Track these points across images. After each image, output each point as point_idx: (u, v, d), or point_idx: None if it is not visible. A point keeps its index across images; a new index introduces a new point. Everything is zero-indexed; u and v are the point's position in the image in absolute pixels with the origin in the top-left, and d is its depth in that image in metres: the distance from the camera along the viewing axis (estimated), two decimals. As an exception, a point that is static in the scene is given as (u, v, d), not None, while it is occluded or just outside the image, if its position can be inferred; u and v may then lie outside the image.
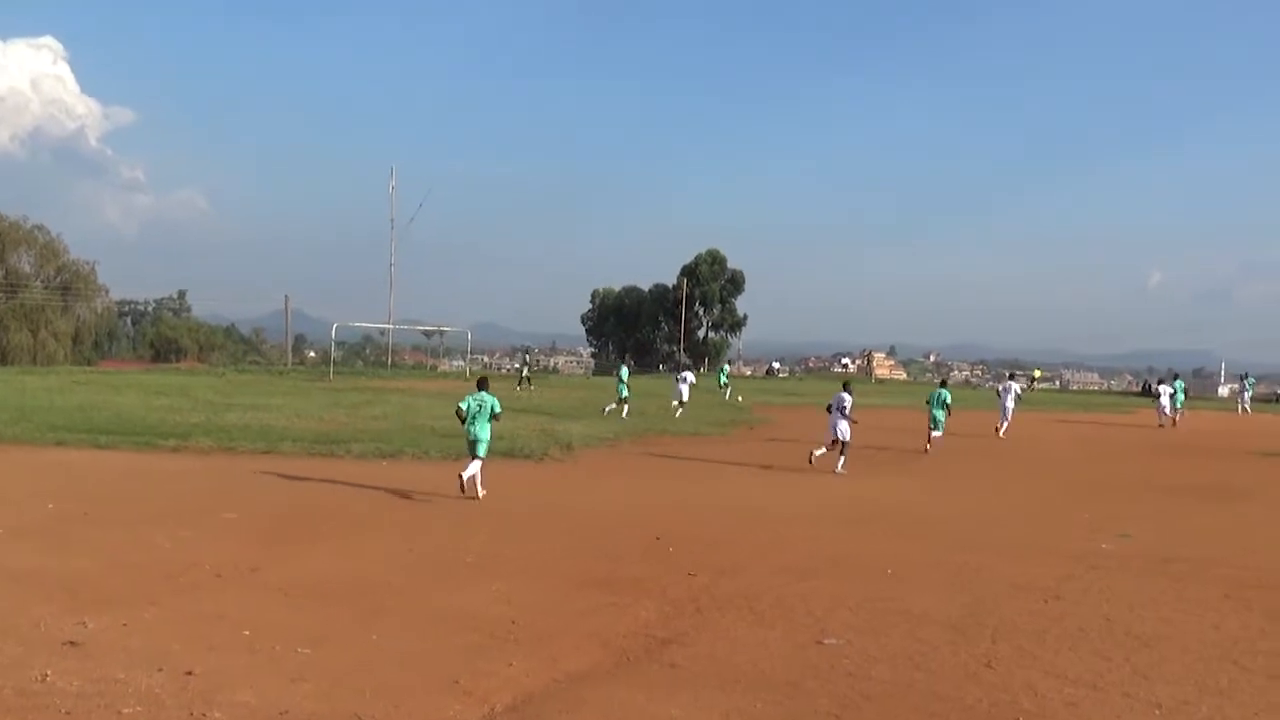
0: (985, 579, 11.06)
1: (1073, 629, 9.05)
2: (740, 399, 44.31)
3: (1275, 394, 64.68)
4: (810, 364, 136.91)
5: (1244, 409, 48.73)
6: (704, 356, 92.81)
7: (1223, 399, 69.46)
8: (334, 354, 65.31)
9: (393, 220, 66.95)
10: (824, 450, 20.69)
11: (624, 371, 34.53)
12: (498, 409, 15.70)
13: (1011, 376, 36.94)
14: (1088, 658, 8.17)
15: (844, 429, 20.42)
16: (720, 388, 45.90)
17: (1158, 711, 6.96)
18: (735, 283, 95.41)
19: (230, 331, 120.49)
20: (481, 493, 15.38)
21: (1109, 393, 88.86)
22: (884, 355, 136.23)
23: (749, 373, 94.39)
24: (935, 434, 25.44)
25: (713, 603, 9.67)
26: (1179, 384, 39.86)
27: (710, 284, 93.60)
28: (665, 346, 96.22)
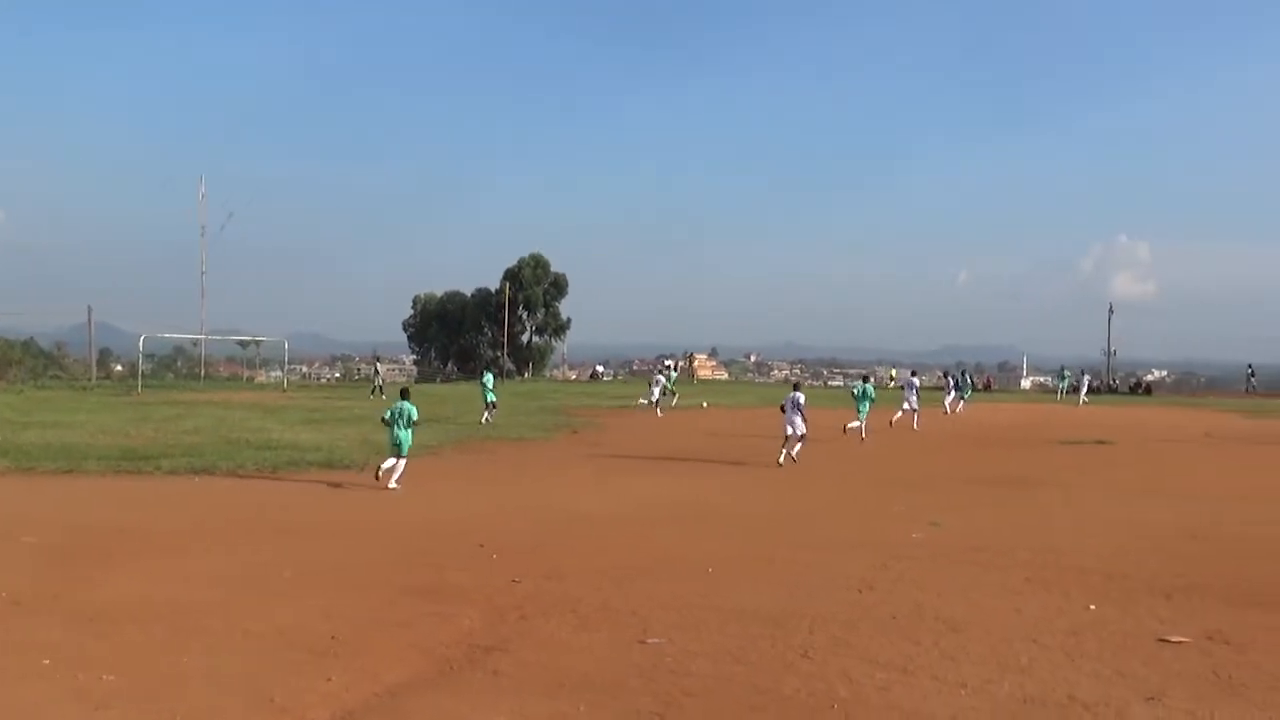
0: (802, 573, 11.37)
1: (885, 617, 9.38)
2: (702, 403, 45.62)
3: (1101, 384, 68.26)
4: (635, 366, 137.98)
5: (1081, 400, 52.39)
6: (528, 361, 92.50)
7: (1025, 391, 73.27)
8: (142, 366, 62.50)
9: (203, 228, 64.75)
10: (785, 452, 22.63)
11: (488, 378, 35.24)
12: (415, 416, 18.53)
13: (914, 373, 39.20)
14: (899, 643, 8.48)
15: (799, 424, 22.70)
16: (669, 393, 46.27)
17: (963, 691, 7.28)
18: (559, 286, 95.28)
19: (29, 345, 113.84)
20: (394, 486, 17.80)
21: (921, 388, 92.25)
22: (706, 356, 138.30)
23: (574, 376, 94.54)
24: (852, 424, 28.89)
25: (536, 608, 9.66)
26: (965, 377, 43.88)
27: (533, 287, 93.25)
28: (489, 352, 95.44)
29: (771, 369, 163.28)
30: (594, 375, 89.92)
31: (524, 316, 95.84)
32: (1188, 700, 7.08)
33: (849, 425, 28.84)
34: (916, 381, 36.61)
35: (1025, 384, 79.23)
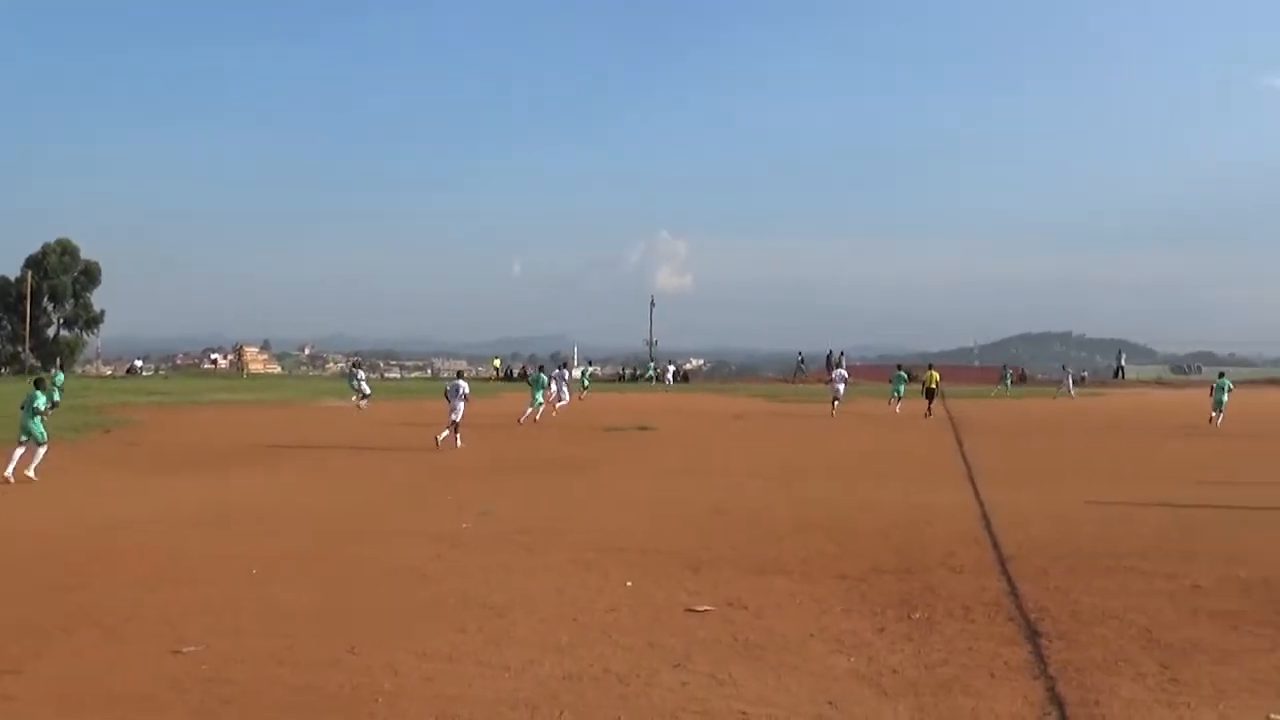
0: (353, 567, 11.18)
1: (433, 606, 9.41)
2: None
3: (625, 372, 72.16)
4: (179, 361, 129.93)
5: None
6: (55, 356, 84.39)
7: (574, 380, 76.18)
8: None
9: None
10: (445, 434, 24.44)
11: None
12: (38, 404, 18.61)
13: (564, 365, 40.80)
14: (446, 632, 8.53)
15: (460, 409, 24.45)
16: (583, 391, 47.89)
17: (507, 673, 7.44)
18: (90, 275, 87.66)
19: None
20: (32, 475, 18.10)
21: (477, 378, 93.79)
22: (257, 349, 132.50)
23: (109, 372, 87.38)
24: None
25: (55, 623, 8.82)
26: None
27: (60, 277, 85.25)
28: (9, 347, 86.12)
29: (326, 361, 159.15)
30: (131, 370, 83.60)
31: (49, 308, 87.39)
32: (710, 664, 7.64)
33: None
34: (567, 374, 39.06)
35: (575, 373, 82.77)
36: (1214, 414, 33.30)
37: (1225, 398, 33.58)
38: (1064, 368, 60.90)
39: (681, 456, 23.88)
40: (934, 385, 38.60)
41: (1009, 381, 58.26)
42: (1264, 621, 8.88)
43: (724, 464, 22.30)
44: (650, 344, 79.89)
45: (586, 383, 52.51)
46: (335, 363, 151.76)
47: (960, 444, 26.88)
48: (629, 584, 10.34)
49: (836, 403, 38.05)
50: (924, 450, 25.72)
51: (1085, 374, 70.61)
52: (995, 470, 20.84)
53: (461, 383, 25.16)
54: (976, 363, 65.44)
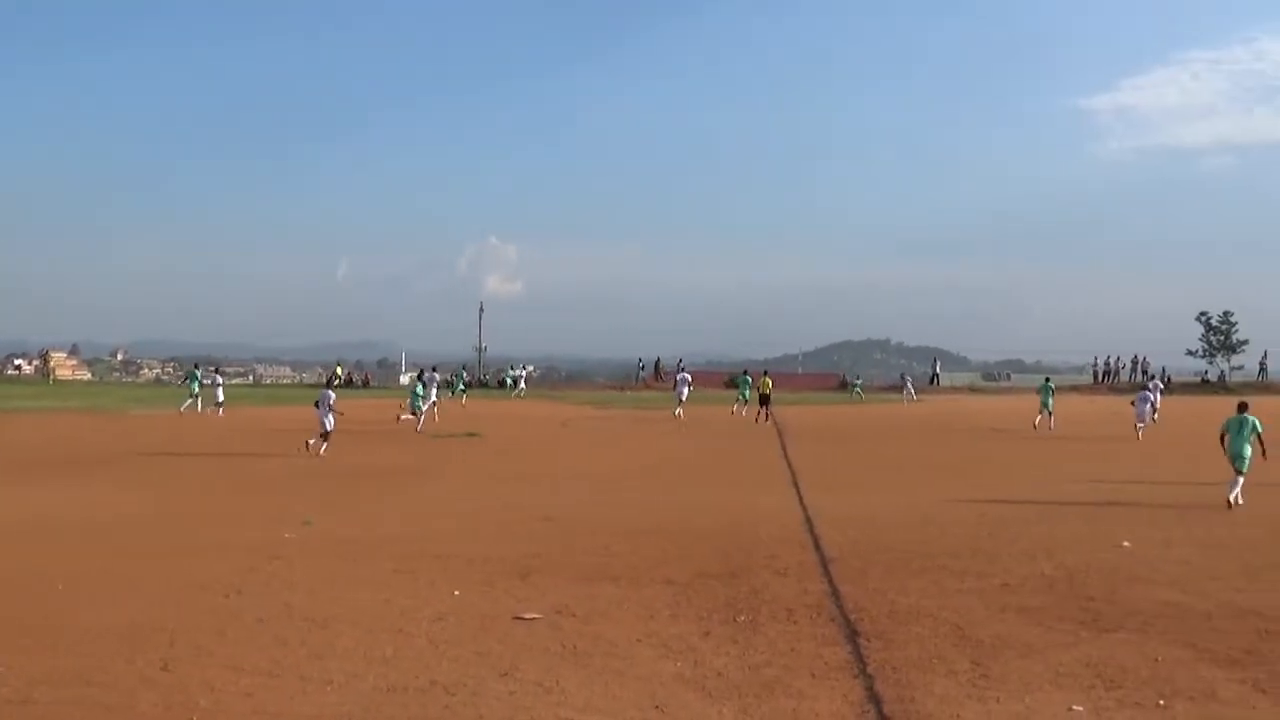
0: (167, 582, 10.74)
1: (252, 621, 9.11)
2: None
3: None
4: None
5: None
6: None
7: (404, 386, 74.83)
8: None
9: None
10: (314, 440, 24.46)
11: None
12: None
13: (434, 369, 40.14)
14: (267, 647, 8.27)
15: (329, 421, 24.60)
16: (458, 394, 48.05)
17: (329, 687, 7.26)
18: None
19: None
20: None
21: (300, 385, 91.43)
22: (65, 354, 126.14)
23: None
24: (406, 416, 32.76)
25: None
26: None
27: None
28: None
29: (141, 367, 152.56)
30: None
31: None
32: (538, 672, 7.62)
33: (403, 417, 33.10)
34: (438, 378, 39.13)
35: (404, 379, 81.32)
36: (1041, 415, 35.41)
37: (1051, 400, 35.72)
38: (903, 376, 63.02)
39: (510, 463, 23.77)
40: (767, 391, 39.59)
41: (913, 390, 59.55)
42: (1066, 616, 9.35)
43: (552, 470, 22.30)
44: (479, 350, 79.26)
45: (461, 387, 51.93)
46: (150, 369, 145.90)
47: (785, 449, 27.52)
48: (456, 593, 10.22)
49: (680, 407, 39.16)
50: (749, 455, 26.23)
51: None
52: (818, 474, 21.41)
53: (330, 392, 25.57)
54: (800, 369, 67.10)
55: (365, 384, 70.84)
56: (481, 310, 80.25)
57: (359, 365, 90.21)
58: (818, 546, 12.83)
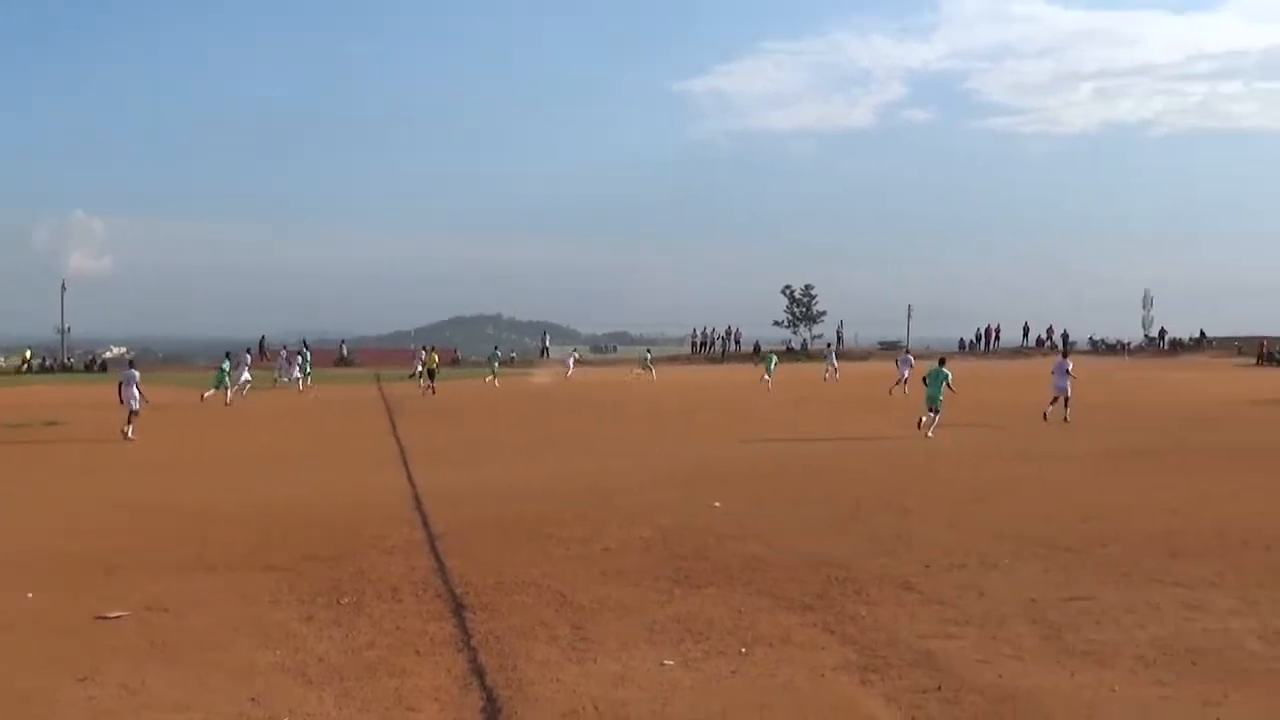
0: None
1: None
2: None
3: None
4: None
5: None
6: None
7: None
8: None
9: None
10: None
11: None
12: None
13: (229, 355, 39.57)
14: None
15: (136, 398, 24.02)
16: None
17: None
18: None
19: None
20: None
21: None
22: None
23: None
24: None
25: None
26: None
27: None
28: None
29: None
30: None
31: None
32: (123, 673, 7.13)
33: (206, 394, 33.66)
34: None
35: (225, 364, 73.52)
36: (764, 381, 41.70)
37: (774, 368, 43.34)
38: (829, 345, 62.95)
39: (95, 453, 22.01)
40: (434, 366, 42.07)
41: (773, 365, 54.88)
42: (661, 576, 9.89)
43: (141, 458, 20.98)
44: (62, 332, 72.77)
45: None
46: None
47: (395, 427, 27.28)
48: (30, 595, 9.38)
49: (304, 383, 41.74)
50: (359, 435, 25.83)
51: (515, 355, 74.32)
52: (429, 451, 21.42)
53: (134, 371, 25.05)
54: (412, 345, 66.19)
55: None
56: (64, 288, 73.74)
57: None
58: (426, 523, 12.83)
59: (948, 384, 23.29)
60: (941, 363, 24.29)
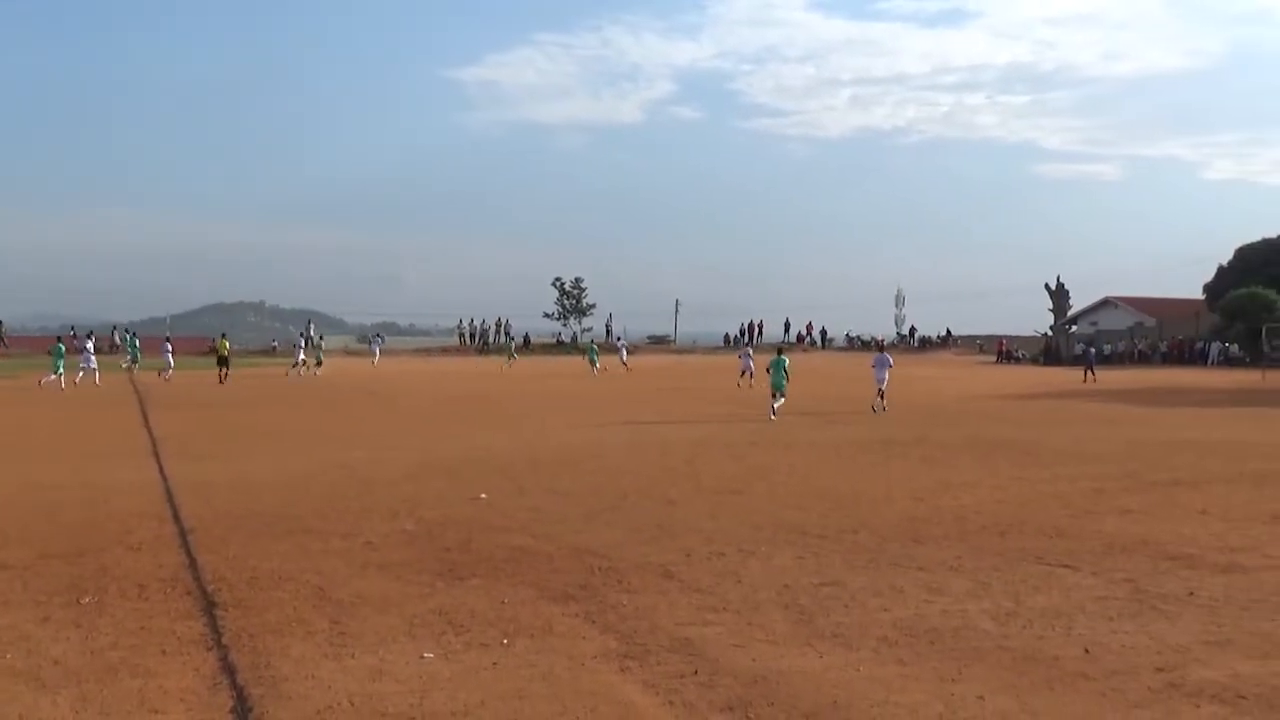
0: None
1: None
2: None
3: None
4: None
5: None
6: None
7: None
8: None
9: None
10: None
11: None
12: None
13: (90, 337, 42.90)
14: None
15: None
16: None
17: None
18: None
19: None
20: None
21: None
22: None
23: None
24: None
25: None
26: None
27: None
28: None
29: None
30: None
31: None
32: None
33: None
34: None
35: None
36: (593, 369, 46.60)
37: (597, 358, 48.81)
38: (798, 336, 61.61)
39: None
40: (225, 353, 42.55)
41: (595, 355, 52.35)
42: (424, 569, 9.77)
43: None
44: None
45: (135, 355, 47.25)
46: None
47: (146, 418, 26.00)
48: None
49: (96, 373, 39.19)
50: (107, 426, 24.52)
51: (276, 344, 72.06)
52: (184, 443, 20.51)
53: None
54: (169, 334, 63.13)
55: None
56: None
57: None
58: (177, 517, 12.28)
59: (785, 370, 26.08)
60: (780, 352, 27.75)
